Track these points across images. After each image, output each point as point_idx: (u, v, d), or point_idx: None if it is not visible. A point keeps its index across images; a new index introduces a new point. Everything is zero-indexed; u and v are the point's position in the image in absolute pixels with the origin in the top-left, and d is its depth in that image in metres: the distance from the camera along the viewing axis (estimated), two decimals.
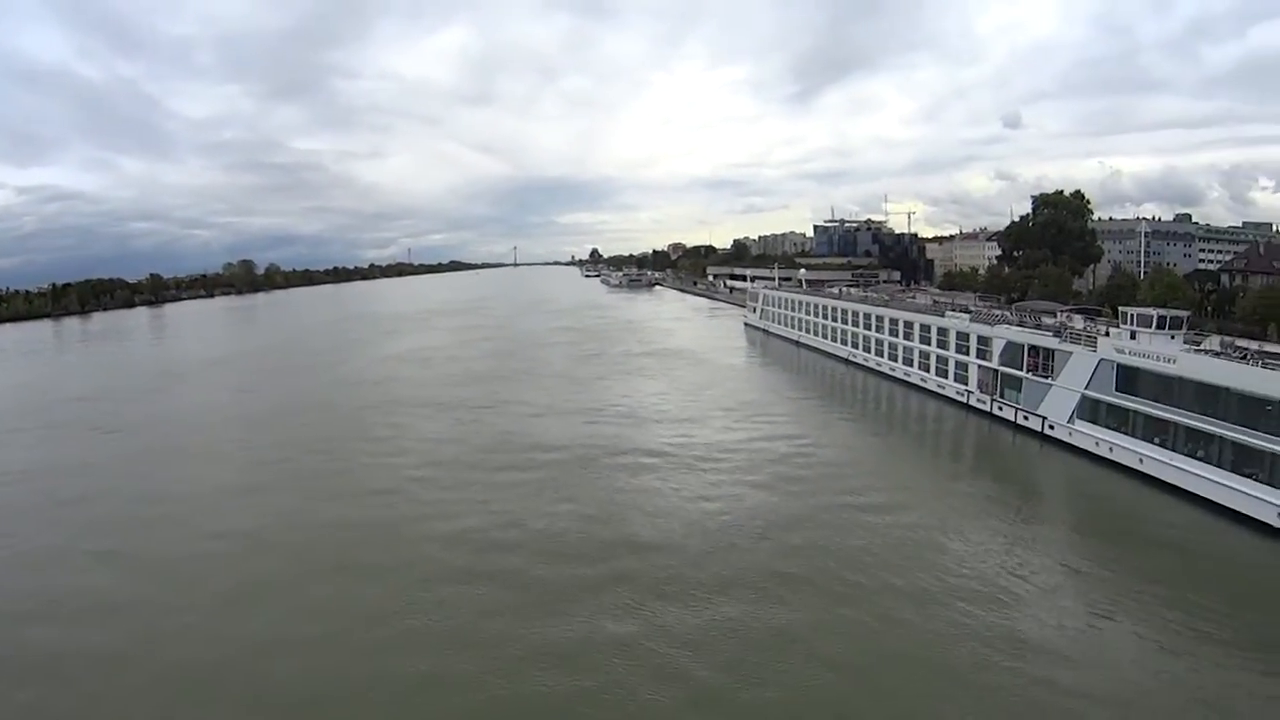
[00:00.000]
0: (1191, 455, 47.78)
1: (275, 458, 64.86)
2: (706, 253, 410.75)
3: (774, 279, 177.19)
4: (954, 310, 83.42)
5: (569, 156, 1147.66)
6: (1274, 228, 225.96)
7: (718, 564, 39.61)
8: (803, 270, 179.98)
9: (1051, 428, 62.09)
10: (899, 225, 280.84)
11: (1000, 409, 69.56)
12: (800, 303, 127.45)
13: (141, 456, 67.31)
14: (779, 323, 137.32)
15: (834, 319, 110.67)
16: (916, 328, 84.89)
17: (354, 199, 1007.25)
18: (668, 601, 35.64)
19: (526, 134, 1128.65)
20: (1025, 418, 65.65)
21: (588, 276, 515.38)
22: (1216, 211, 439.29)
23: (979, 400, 72.92)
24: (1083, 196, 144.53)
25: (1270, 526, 41.94)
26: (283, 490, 55.79)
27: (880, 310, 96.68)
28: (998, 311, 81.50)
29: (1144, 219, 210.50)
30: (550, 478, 55.41)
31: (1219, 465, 45.77)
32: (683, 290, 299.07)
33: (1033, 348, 65.43)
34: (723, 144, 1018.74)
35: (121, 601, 37.94)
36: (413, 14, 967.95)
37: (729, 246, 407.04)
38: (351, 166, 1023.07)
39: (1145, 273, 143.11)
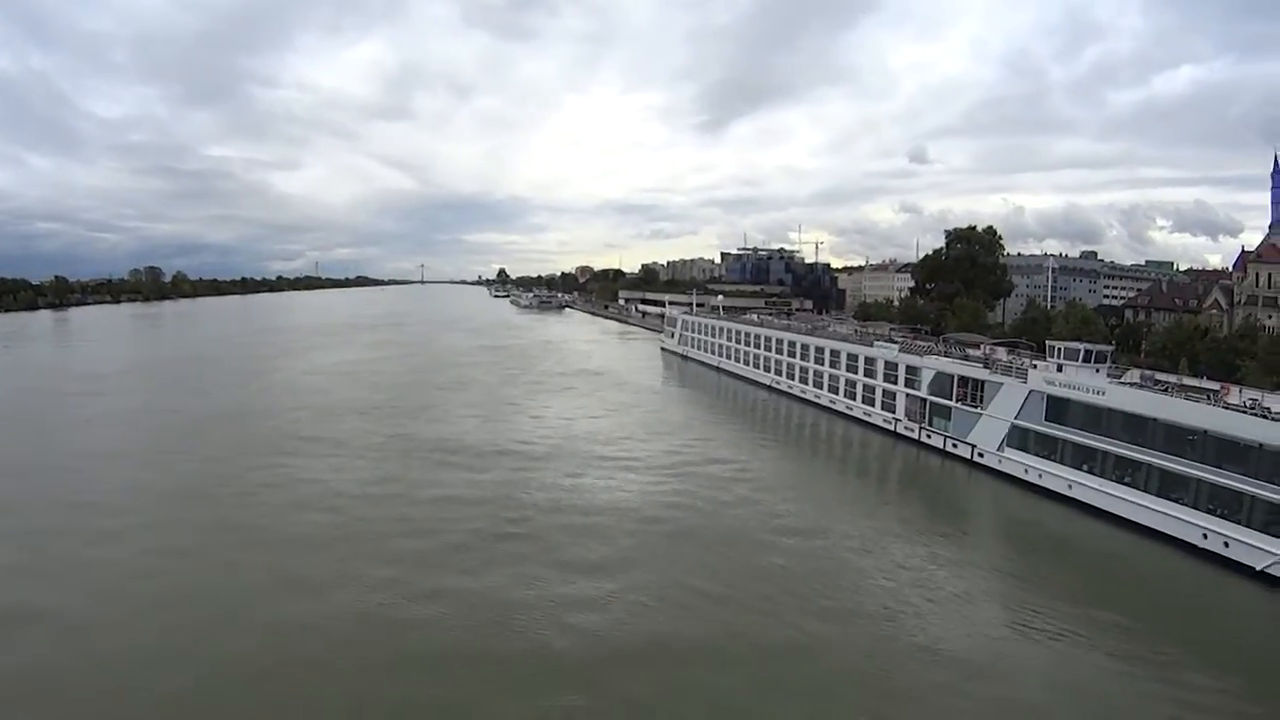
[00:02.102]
0: (1119, 481, 50.70)
1: (206, 466, 63.93)
2: (615, 276, 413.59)
3: (690, 304, 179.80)
4: (881, 340, 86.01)
5: (480, 175, 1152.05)
6: (1175, 266, 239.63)
7: (641, 577, 40.54)
8: (720, 297, 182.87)
9: (981, 455, 64.56)
10: (808, 255, 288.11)
11: (929, 437, 71.99)
12: (720, 329, 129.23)
13: (69, 460, 66.10)
14: (698, 348, 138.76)
15: (757, 346, 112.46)
16: (844, 356, 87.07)
17: (264, 209, 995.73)
18: (589, 611, 36.81)
19: (439, 151, 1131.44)
20: (954, 445, 68.21)
21: (497, 297, 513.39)
22: (1115, 249, 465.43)
23: (907, 428, 75.32)
24: (995, 232, 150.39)
25: (1195, 547, 44.92)
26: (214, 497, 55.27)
27: (805, 339, 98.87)
28: (923, 343, 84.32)
29: (1051, 255, 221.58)
30: (490, 487, 56.71)
31: (1146, 490, 48.72)
32: (594, 313, 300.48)
33: (962, 378, 68.09)
34: (633, 169, 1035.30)
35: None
36: (333, 26, 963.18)
37: (638, 271, 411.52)
38: (263, 176, 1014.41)
39: (1052, 306, 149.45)
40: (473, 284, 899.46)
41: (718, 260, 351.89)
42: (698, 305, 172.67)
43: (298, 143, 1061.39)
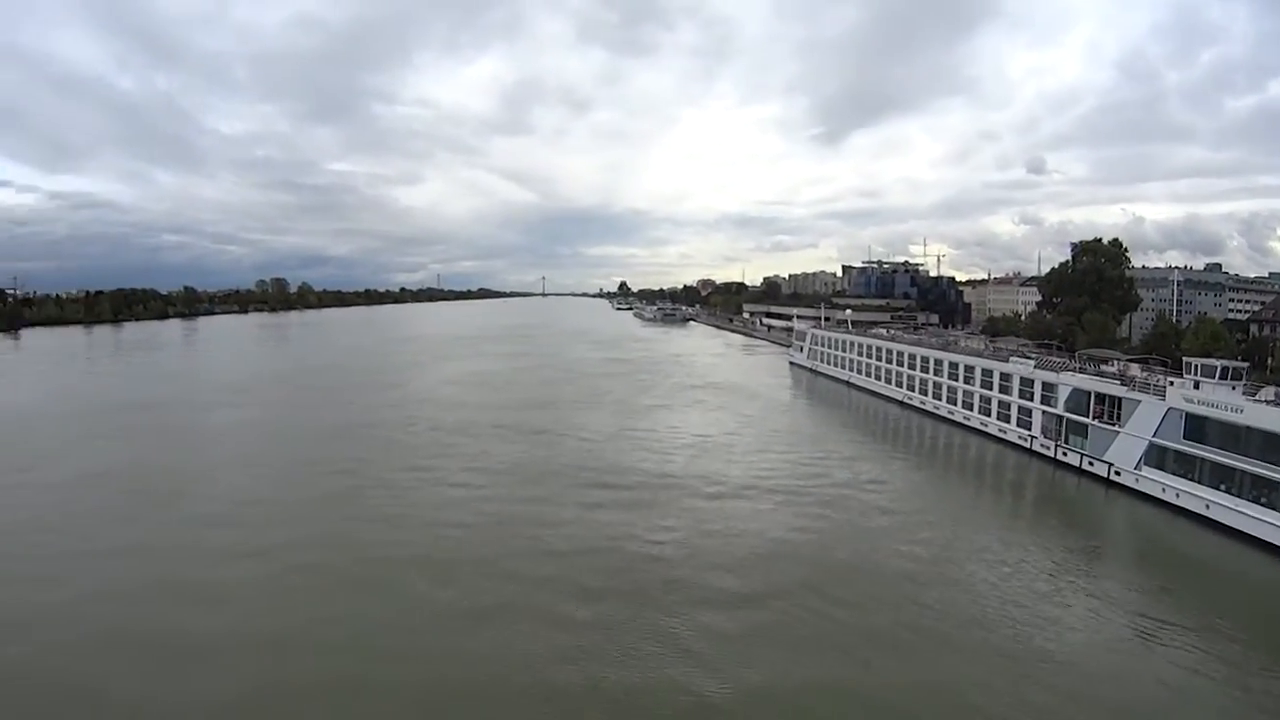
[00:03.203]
0: (1256, 501, 51.26)
1: (357, 472, 68.76)
2: (738, 289, 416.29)
3: (817, 319, 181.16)
4: (1018, 356, 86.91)
5: (599, 188, 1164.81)
6: None
7: (780, 580, 42.62)
8: (848, 311, 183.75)
9: (1118, 474, 65.09)
10: (930, 268, 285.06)
11: (1064, 454, 72.56)
12: (850, 343, 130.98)
13: (226, 464, 71.96)
14: (827, 363, 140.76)
15: (888, 360, 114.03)
16: (978, 371, 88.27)
17: (386, 222, 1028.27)
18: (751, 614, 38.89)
19: (557, 165, 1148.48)
20: (1090, 463, 68.80)
21: (619, 309, 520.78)
22: (1236, 260, 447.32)
23: (1043, 446, 75.97)
24: (1120, 244, 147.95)
25: None
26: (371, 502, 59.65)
27: (938, 353, 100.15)
28: (1057, 359, 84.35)
29: (1176, 268, 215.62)
30: (639, 499, 58.76)
31: None
32: (718, 327, 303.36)
33: (1099, 395, 68.78)
34: (751, 181, 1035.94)
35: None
36: (450, 44, 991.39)
37: (759, 283, 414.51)
38: (385, 190, 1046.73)
39: (1177, 321, 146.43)
40: (594, 296, 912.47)
41: (839, 273, 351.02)
42: (824, 319, 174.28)
43: (419, 157, 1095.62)
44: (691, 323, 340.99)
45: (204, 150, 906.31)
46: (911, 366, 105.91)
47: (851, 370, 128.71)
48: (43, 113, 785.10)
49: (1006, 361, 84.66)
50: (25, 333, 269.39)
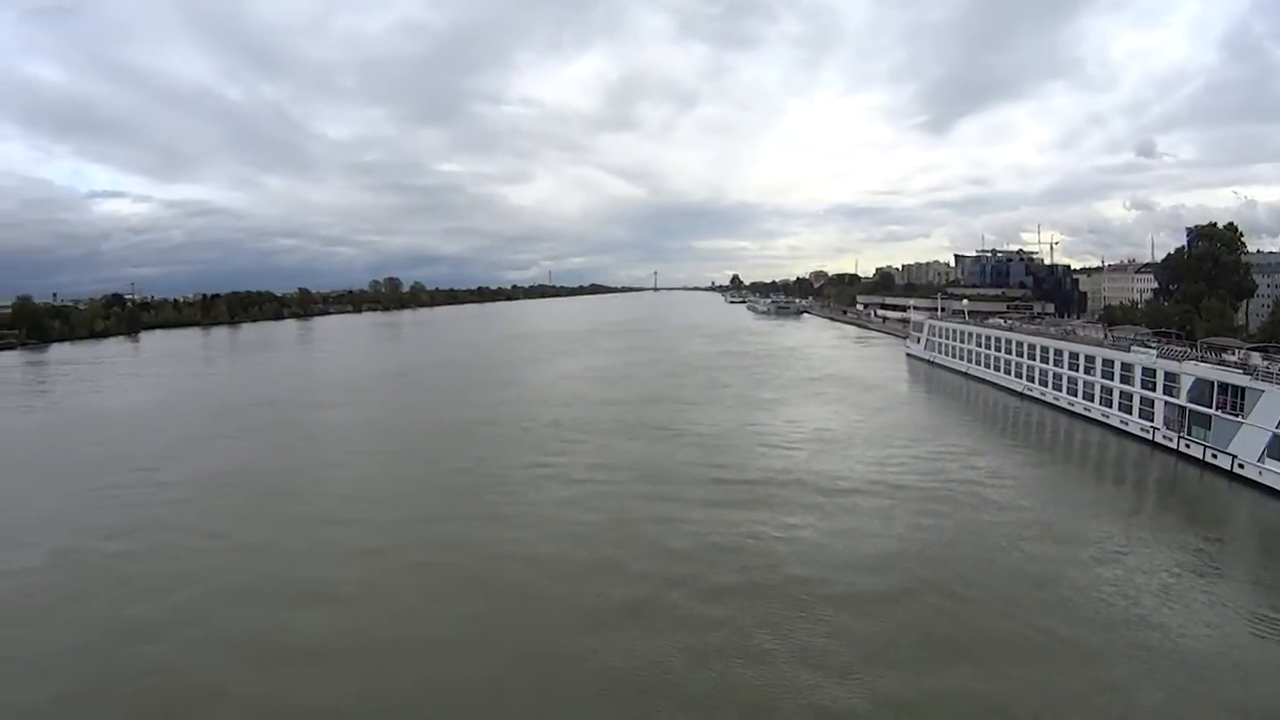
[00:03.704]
0: None
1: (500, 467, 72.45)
2: (851, 281, 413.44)
3: (933, 309, 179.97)
4: (1139, 346, 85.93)
5: (707, 182, 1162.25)
6: None
7: (914, 593, 41.38)
8: (965, 301, 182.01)
9: (1241, 466, 64.23)
10: (1043, 255, 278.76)
11: (1187, 446, 71.75)
12: (968, 334, 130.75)
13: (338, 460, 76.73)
14: (945, 354, 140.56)
15: (1006, 351, 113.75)
16: (1099, 362, 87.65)
17: (495, 221, 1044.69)
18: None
19: (665, 160, 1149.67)
20: (1214, 455, 67.90)
21: (732, 303, 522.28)
22: None
23: (1165, 437, 75.22)
24: (1235, 229, 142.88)
25: None
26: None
27: (1058, 343, 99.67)
28: (1178, 348, 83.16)
29: None
30: (763, 497, 59.04)
31: None
32: (832, 319, 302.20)
33: (1222, 385, 67.83)
34: (860, 171, 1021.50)
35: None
36: (552, 43, 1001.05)
37: (871, 275, 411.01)
38: (493, 189, 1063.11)
39: None
40: (705, 290, 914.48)
41: (951, 262, 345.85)
42: (940, 310, 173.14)
43: (526, 156, 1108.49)
44: (805, 315, 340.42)
45: (313, 155, 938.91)
46: (1030, 357, 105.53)
47: (970, 361, 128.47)
48: (155, 125, 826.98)
49: (1128, 351, 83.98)
50: (144, 335, 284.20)
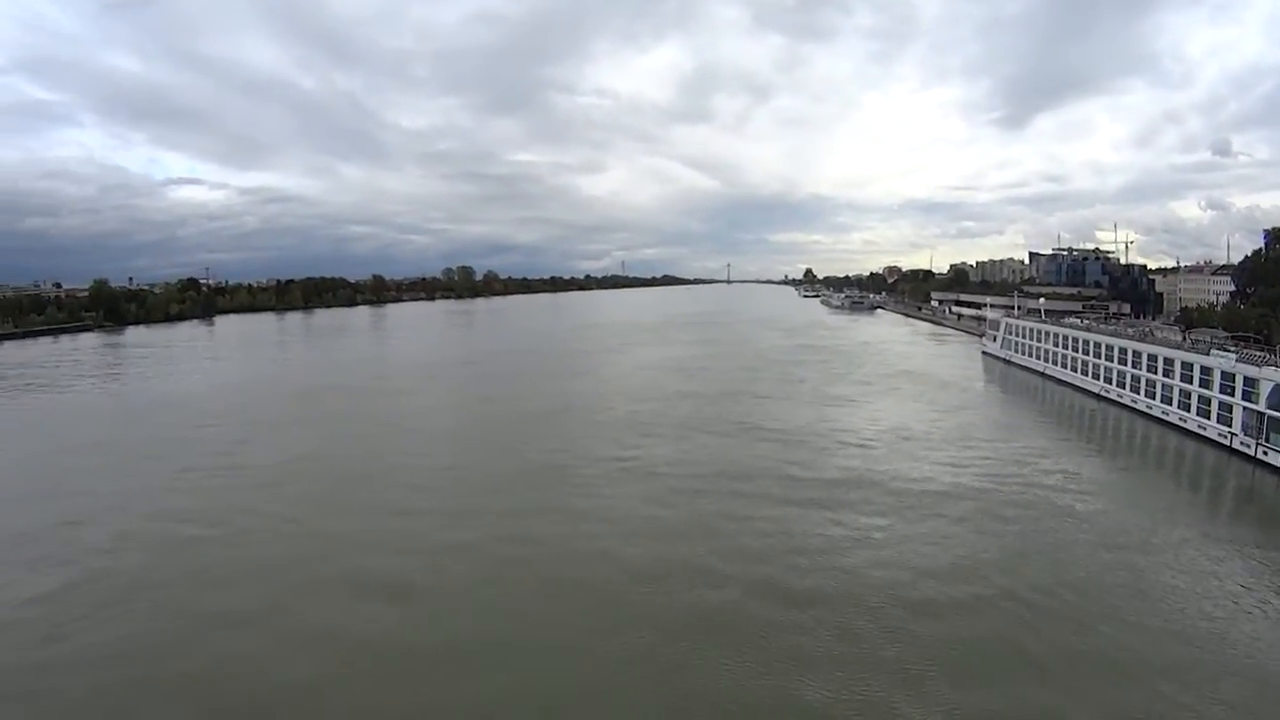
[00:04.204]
0: None
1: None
2: (925, 277, 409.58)
3: (1010, 307, 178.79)
4: (1218, 349, 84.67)
5: (781, 175, 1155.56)
6: None
7: (992, 603, 40.79)
8: (1042, 300, 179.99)
9: None
10: (1118, 255, 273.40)
11: (1265, 454, 70.57)
12: (1045, 333, 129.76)
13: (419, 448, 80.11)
14: (1022, 352, 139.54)
15: (1084, 351, 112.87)
16: (1177, 365, 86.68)
17: (569, 211, 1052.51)
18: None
19: (740, 152, 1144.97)
20: None
21: (806, 297, 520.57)
22: None
23: (1242, 444, 74.05)
24: None
25: None
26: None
27: (1136, 345, 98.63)
28: (1258, 352, 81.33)
29: None
30: (843, 499, 58.45)
31: None
32: (906, 315, 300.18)
33: None
34: (935, 166, 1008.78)
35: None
36: (626, 33, 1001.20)
37: (946, 271, 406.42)
38: (567, 179, 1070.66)
39: None
40: (778, 283, 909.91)
41: (1026, 260, 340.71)
42: (1016, 309, 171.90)
43: (600, 146, 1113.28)
44: (879, 311, 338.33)
45: (387, 144, 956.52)
46: (1108, 358, 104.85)
47: (1046, 361, 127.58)
48: (230, 114, 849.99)
49: (1206, 355, 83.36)
50: (219, 319, 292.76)
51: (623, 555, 47.97)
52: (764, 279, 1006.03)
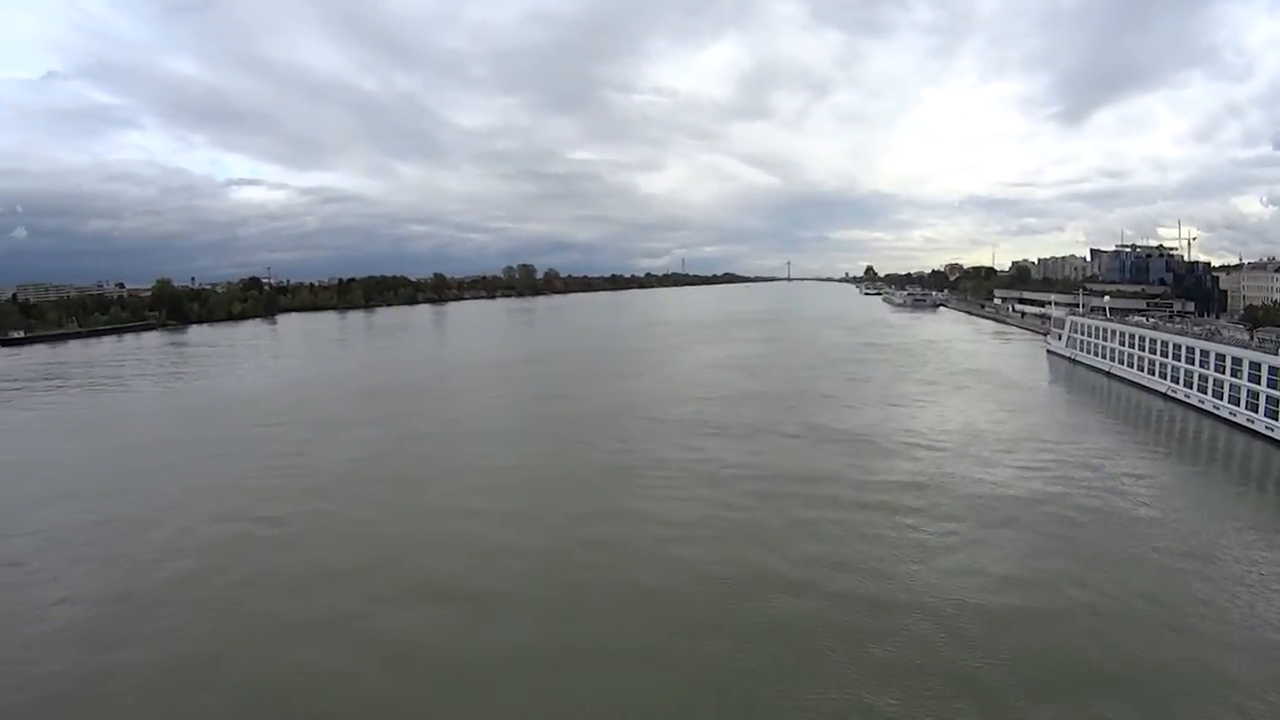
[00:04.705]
0: None
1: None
2: (987, 274, 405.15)
3: (1074, 305, 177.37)
4: None
5: (841, 171, 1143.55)
6: None
7: (1071, 615, 39.79)
8: (1106, 298, 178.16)
9: None
10: (1181, 252, 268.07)
11: None
12: (1111, 331, 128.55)
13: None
14: (1086, 351, 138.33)
15: (1150, 350, 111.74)
16: (1245, 364, 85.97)
17: (628, 209, 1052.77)
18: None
19: (799, 148, 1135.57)
20: None
21: (867, 294, 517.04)
22: None
23: None
24: None
25: None
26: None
27: (1203, 344, 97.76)
28: None
29: None
30: (914, 504, 57.65)
31: None
32: (969, 313, 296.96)
33: None
34: (995, 162, 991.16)
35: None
36: (682, 31, 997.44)
37: (1007, 268, 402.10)
38: (626, 177, 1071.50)
39: None
40: (838, 281, 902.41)
41: (1087, 257, 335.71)
42: (1081, 306, 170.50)
43: (658, 144, 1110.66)
44: (941, 308, 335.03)
45: (446, 144, 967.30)
46: (1175, 357, 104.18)
47: (1112, 360, 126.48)
48: (290, 116, 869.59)
49: (1275, 353, 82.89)
50: (281, 318, 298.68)
51: (691, 559, 47.40)
52: (824, 277, 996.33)
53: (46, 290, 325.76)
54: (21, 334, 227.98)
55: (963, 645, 36.44)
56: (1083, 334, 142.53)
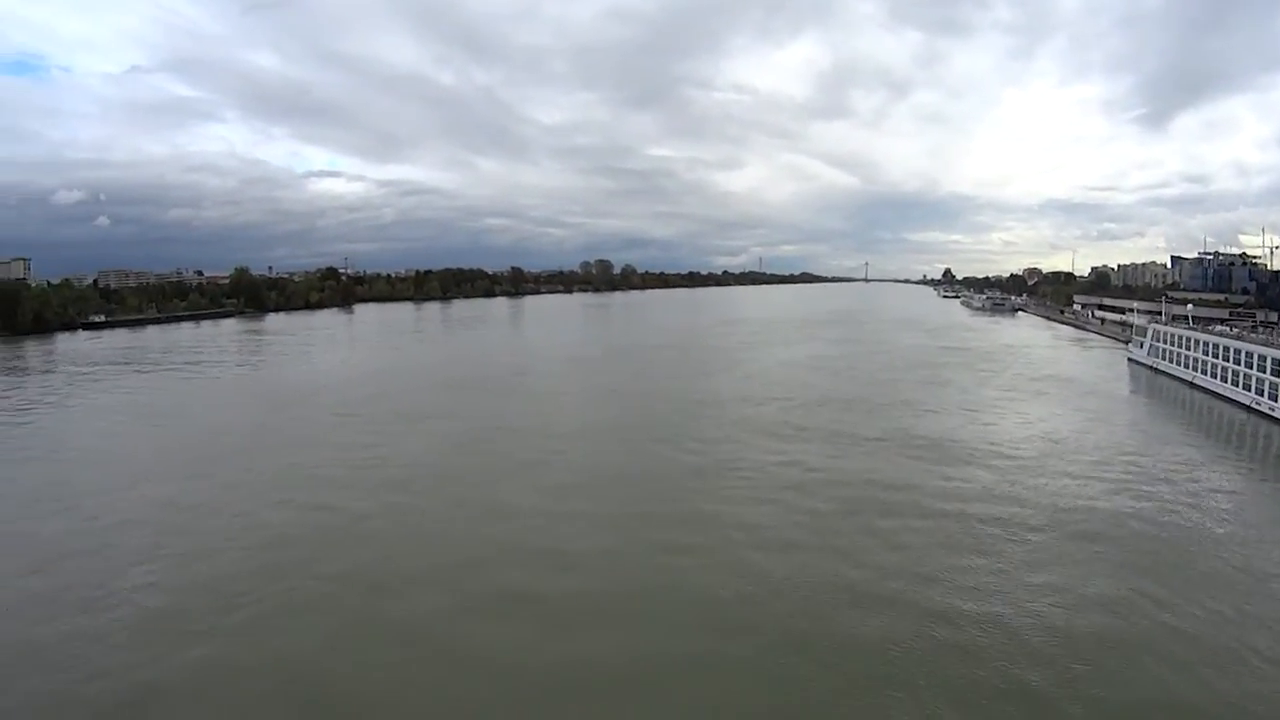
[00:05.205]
0: None
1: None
2: (1066, 279, 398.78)
3: (1157, 313, 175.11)
4: None
5: (920, 172, 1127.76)
6: None
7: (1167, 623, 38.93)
8: (1190, 306, 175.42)
9: None
10: (1264, 260, 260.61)
11: None
12: (1195, 341, 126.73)
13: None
14: (1169, 360, 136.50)
15: (1234, 361, 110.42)
16: None
17: (706, 206, 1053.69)
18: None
19: (879, 149, 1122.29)
20: None
21: (945, 297, 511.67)
22: None
23: None
24: None
25: None
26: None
27: None
28: None
29: None
30: (1000, 514, 55.94)
31: None
32: (1048, 318, 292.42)
33: None
34: (1075, 165, 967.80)
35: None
36: (762, 29, 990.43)
37: (1086, 274, 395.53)
38: (704, 175, 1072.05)
39: None
40: (916, 283, 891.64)
41: (1168, 264, 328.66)
42: (1163, 315, 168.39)
43: (737, 142, 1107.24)
44: (1020, 313, 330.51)
45: (525, 139, 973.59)
46: (1260, 369, 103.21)
47: (1195, 370, 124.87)
48: (369, 110, 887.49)
49: None
50: (358, 308, 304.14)
51: (768, 568, 45.93)
52: (901, 278, 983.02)
53: (126, 276, 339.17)
54: (102, 318, 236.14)
55: (1043, 668, 34.63)
56: (1165, 342, 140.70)
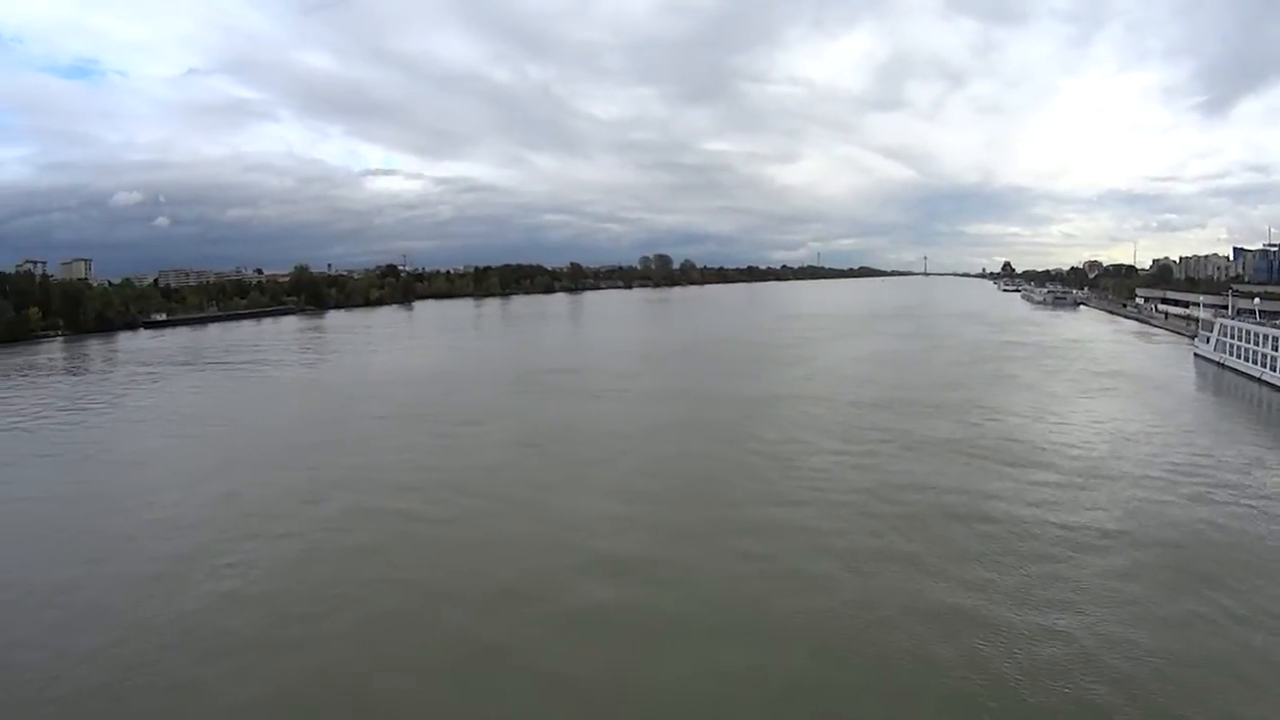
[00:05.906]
0: None
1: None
2: (1128, 272, 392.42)
3: (1223, 306, 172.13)
4: None
5: (978, 164, 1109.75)
6: None
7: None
8: (1257, 300, 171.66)
9: None
10: None
11: None
12: (1264, 336, 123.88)
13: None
14: (1237, 355, 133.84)
15: None
16: None
17: (763, 200, 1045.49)
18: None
19: (936, 140, 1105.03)
20: None
21: (1005, 290, 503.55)
22: None
23: None
24: None
25: None
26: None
27: None
28: None
29: None
30: (1080, 517, 53.48)
31: None
32: (1110, 312, 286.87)
33: None
34: (1134, 155, 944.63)
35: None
36: (817, 21, 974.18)
37: (1146, 266, 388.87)
38: (761, 169, 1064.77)
39: None
40: (975, 276, 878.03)
41: (1230, 256, 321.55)
42: (1230, 308, 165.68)
43: (794, 135, 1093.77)
44: (1081, 307, 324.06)
45: (581, 134, 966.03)
46: None
47: (1264, 366, 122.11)
48: (425, 107, 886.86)
49: None
50: (417, 305, 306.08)
51: (839, 581, 43.61)
52: (960, 272, 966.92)
53: (186, 276, 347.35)
54: (164, 317, 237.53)
55: (1124, 696, 31.83)
56: (1232, 337, 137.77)
